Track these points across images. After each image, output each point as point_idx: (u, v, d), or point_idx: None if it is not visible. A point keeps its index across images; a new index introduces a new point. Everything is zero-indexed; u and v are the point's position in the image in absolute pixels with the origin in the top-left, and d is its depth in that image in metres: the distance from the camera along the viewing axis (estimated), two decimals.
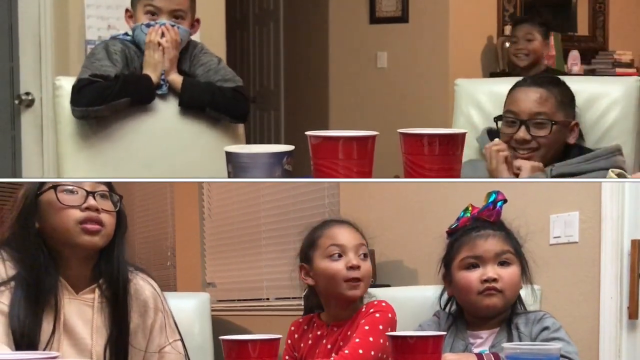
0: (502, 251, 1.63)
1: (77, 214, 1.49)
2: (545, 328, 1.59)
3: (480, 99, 2.49)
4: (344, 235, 1.72)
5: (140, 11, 2.53)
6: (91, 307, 1.52)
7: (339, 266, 1.69)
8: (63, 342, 1.48)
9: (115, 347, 1.52)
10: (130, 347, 1.54)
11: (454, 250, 1.67)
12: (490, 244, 1.63)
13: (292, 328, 1.83)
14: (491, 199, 1.69)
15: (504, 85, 2.32)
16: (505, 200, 1.69)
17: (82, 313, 1.51)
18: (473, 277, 1.62)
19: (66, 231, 1.49)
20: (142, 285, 1.59)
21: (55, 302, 1.48)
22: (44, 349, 1.44)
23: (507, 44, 4.67)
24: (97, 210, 1.50)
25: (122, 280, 1.55)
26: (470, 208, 1.70)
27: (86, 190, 1.51)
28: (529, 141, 2.16)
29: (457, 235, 1.68)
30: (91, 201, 1.50)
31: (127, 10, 2.60)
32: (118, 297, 1.54)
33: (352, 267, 1.69)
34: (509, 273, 1.62)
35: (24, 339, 1.42)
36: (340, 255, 1.70)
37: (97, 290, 1.53)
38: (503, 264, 1.63)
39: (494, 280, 1.60)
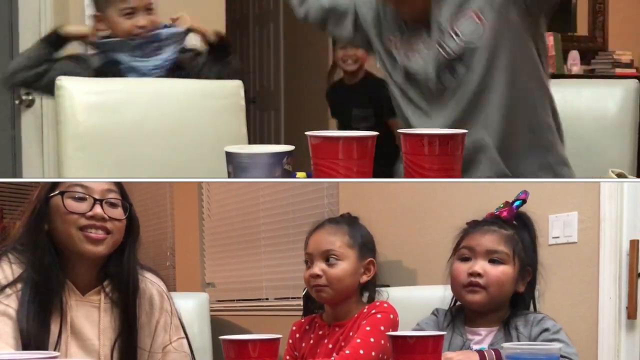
0: (494, 249, 1.62)
1: (80, 220, 1.47)
2: (546, 330, 1.60)
3: None
4: (314, 242, 1.75)
5: (115, 14, 2.54)
6: (97, 309, 1.52)
7: (306, 274, 1.74)
8: (71, 344, 1.48)
9: (123, 349, 1.51)
10: (138, 347, 1.54)
11: (459, 240, 1.68)
12: (485, 239, 1.63)
13: (294, 328, 1.84)
14: (514, 199, 1.69)
15: None
16: (524, 201, 1.68)
17: (88, 314, 1.51)
18: (462, 268, 1.63)
19: (69, 237, 1.48)
20: (149, 285, 1.59)
21: (61, 304, 1.48)
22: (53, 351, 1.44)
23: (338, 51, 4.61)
24: (102, 219, 1.48)
25: (132, 284, 1.54)
26: (502, 206, 1.70)
27: (94, 198, 1.49)
28: None
29: (469, 227, 1.69)
30: (97, 209, 1.48)
31: (95, 16, 2.60)
32: (126, 300, 1.53)
33: (311, 276, 1.72)
34: (498, 271, 1.61)
35: (31, 341, 1.42)
36: (310, 263, 1.74)
37: (102, 292, 1.53)
38: (494, 261, 1.62)
39: (478, 275, 1.60)
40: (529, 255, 1.66)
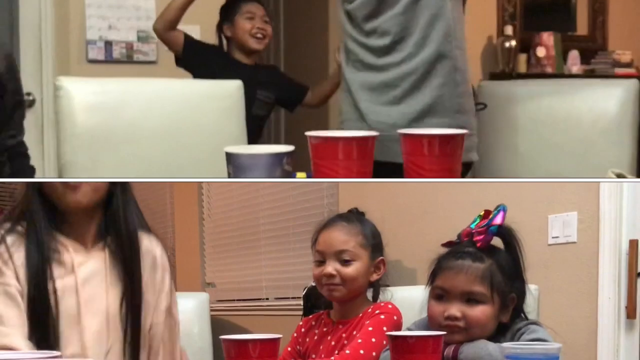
0: (469, 291, 1.52)
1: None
2: (522, 333, 1.53)
3: None
4: (327, 240, 1.74)
5: None
6: (103, 264, 1.53)
7: (318, 273, 1.74)
8: (80, 299, 1.49)
9: (130, 302, 1.53)
10: (143, 302, 1.55)
11: (433, 273, 1.59)
12: (459, 280, 1.53)
13: (301, 323, 1.85)
14: (490, 219, 1.56)
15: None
16: (499, 226, 1.55)
17: (95, 270, 1.52)
18: (438, 309, 1.54)
19: (53, 191, 1.51)
20: (152, 243, 1.61)
21: (67, 262, 1.49)
22: (60, 311, 1.45)
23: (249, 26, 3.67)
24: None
25: (130, 236, 1.56)
26: (482, 215, 1.58)
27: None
28: None
29: (443, 256, 1.59)
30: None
31: None
32: (128, 253, 1.55)
33: (324, 276, 1.72)
34: (477, 312, 1.52)
35: (36, 302, 1.44)
36: (322, 262, 1.73)
37: (106, 247, 1.55)
38: (471, 301, 1.52)
39: (456, 318, 1.51)
40: (511, 282, 1.56)
